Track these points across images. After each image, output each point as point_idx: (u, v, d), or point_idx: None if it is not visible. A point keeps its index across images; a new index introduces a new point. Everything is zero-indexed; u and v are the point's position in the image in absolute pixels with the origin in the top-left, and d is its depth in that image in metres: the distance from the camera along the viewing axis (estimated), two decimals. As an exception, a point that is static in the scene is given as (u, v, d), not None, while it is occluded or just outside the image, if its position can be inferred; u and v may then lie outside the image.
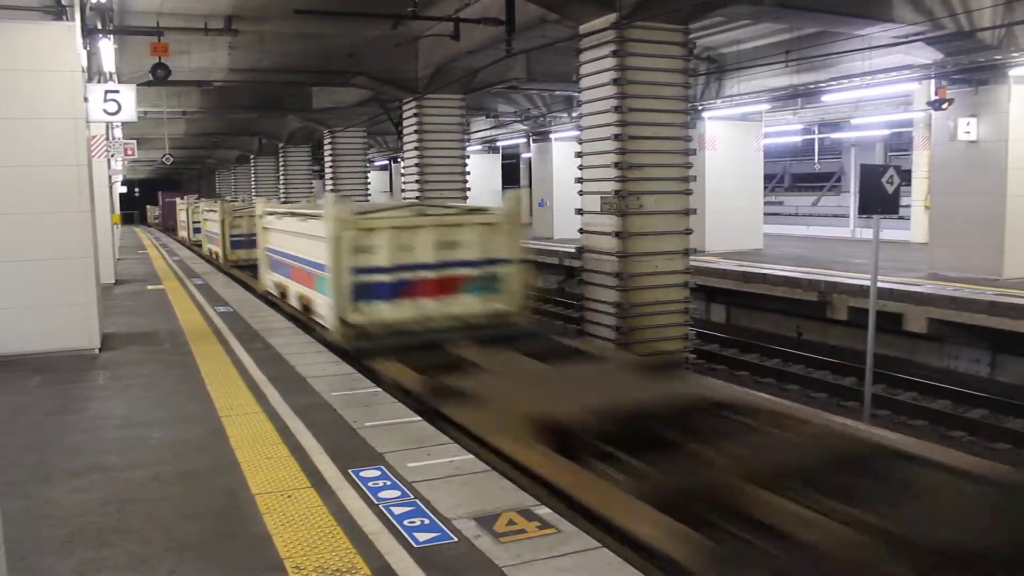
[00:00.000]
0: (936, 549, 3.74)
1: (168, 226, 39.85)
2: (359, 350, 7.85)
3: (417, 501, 4.00)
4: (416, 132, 17.10)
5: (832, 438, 5.20)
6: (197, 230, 24.20)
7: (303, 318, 9.62)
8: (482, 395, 6.05)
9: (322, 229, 8.39)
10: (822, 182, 41.44)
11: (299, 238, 9.77)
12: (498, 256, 8.84)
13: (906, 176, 15.57)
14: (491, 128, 28.77)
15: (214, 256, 19.37)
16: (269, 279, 11.64)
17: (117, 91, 10.65)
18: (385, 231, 8.40)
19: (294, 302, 10.15)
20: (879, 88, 16.89)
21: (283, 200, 25.69)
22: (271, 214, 11.53)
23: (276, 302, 11.14)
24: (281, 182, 30.02)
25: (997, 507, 4.28)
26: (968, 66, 13.20)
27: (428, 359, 7.43)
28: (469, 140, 23.95)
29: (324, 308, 8.64)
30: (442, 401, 6.05)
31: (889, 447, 4.95)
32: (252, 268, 14.41)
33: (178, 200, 34.51)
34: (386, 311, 8.41)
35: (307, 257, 9.36)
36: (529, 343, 8.06)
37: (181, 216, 30.96)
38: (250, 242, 16.55)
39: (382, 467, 4.50)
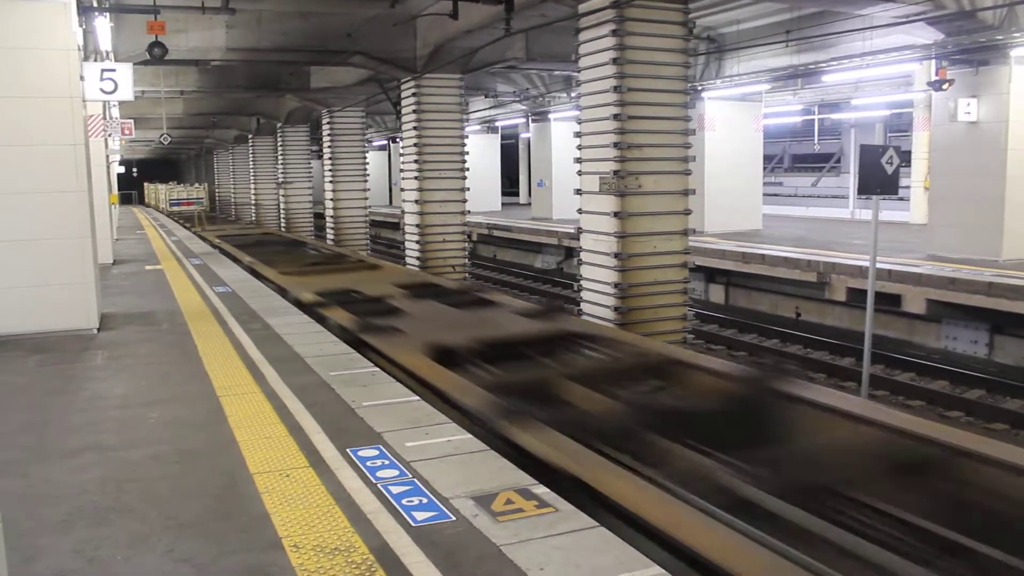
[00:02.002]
0: (655, 409, 5.76)
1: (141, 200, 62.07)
2: (170, 215, 34.02)
3: (415, 480, 4.00)
4: (415, 112, 17.00)
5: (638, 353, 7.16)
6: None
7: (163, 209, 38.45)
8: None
9: (164, 192, 39.93)
10: (822, 163, 41.32)
11: (166, 193, 38.11)
12: (200, 197, 33.44)
13: (906, 157, 15.55)
14: (490, 108, 28.63)
15: (160, 209, 40.81)
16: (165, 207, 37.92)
17: (114, 70, 10.56)
18: (176, 190, 37.22)
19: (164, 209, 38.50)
20: (879, 68, 16.82)
21: (280, 182, 30.03)
22: (162, 190, 42.42)
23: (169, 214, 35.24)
24: (279, 162, 29.89)
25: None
26: (969, 46, 13.13)
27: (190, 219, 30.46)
28: (468, 120, 23.86)
29: (165, 206, 36.86)
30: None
31: (672, 357, 6.89)
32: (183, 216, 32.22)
33: (145, 184, 57.66)
34: (175, 208, 33.37)
35: (165, 197, 37.87)
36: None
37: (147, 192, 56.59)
38: (180, 203, 33.75)
39: (380, 446, 4.51)
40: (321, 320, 8.59)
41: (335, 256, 17.09)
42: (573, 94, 22.26)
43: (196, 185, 40.73)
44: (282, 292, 10.68)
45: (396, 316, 8.86)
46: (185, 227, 25.62)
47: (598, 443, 4.93)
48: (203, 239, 20.41)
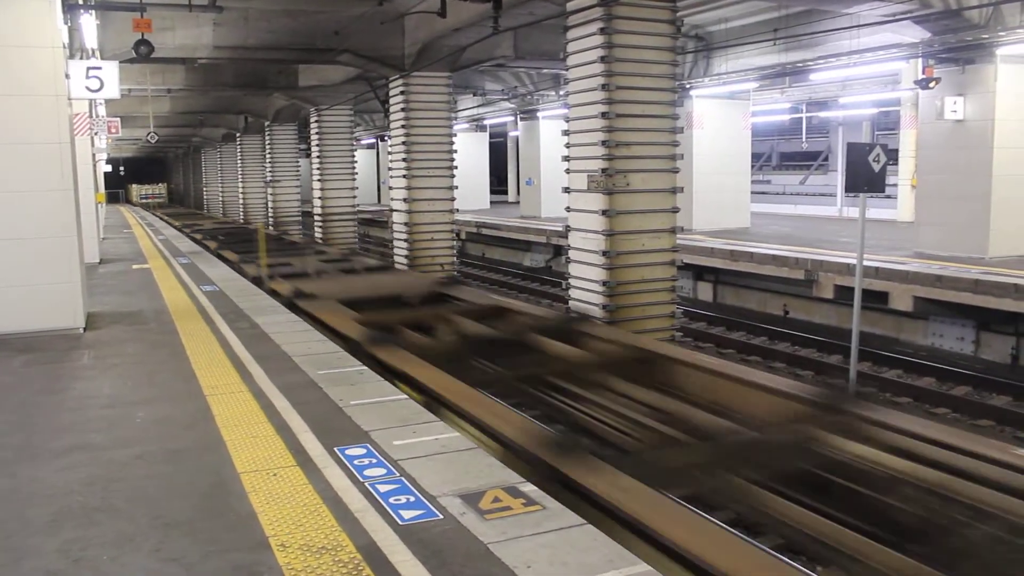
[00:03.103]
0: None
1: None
2: (141, 205, 54.99)
3: (403, 479, 4.01)
4: (403, 110, 16.97)
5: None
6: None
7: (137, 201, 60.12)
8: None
9: (138, 190, 62.90)
10: (809, 161, 41.46)
11: (137, 190, 62.87)
12: (161, 192, 63.53)
13: (893, 155, 15.62)
14: (478, 106, 28.60)
15: (134, 202, 57.41)
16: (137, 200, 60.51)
17: (100, 68, 10.51)
18: (144, 187, 62.54)
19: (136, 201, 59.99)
20: (867, 67, 16.88)
21: (268, 180, 30.03)
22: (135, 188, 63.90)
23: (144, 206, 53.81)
24: (267, 160, 29.79)
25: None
26: (955, 45, 13.20)
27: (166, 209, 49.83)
28: (456, 118, 23.82)
29: (137, 200, 59.72)
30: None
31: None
32: (147, 206, 51.58)
33: (128, 184, 67.88)
34: (144, 200, 58.75)
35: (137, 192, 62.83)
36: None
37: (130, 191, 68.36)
38: (147, 196, 59.35)
39: (368, 445, 4.51)
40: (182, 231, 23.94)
41: (208, 216, 36.13)
42: (561, 92, 22.25)
43: (159, 184, 65.11)
44: (174, 227, 23.69)
45: (201, 227, 24.20)
46: (145, 210, 43.10)
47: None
48: (153, 214, 36.53)
